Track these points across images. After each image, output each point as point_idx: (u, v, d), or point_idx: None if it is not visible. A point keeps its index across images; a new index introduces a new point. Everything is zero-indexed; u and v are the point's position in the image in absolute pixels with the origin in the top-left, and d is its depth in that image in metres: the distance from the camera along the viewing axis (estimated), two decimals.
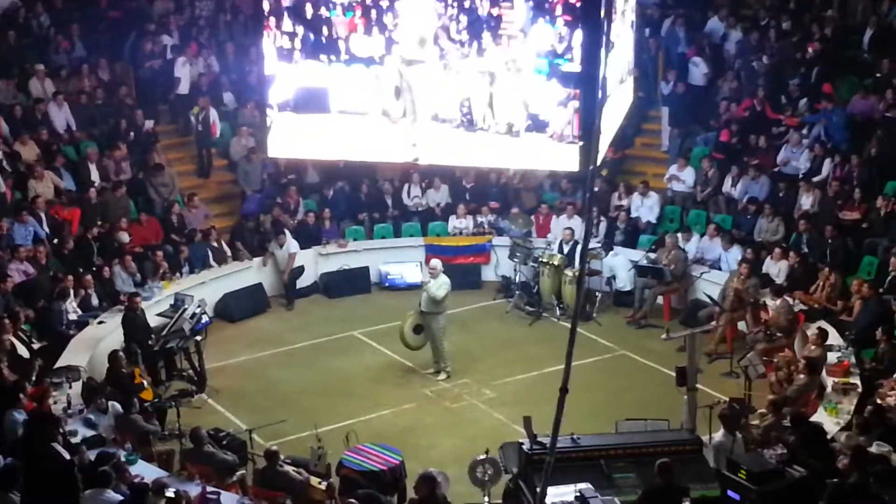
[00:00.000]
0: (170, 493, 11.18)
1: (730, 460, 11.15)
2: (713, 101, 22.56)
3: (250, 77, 22.17)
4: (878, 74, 20.93)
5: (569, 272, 19.39)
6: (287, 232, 20.45)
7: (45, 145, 20.19)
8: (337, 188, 22.01)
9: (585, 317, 18.89)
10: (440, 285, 16.85)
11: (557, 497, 9.90)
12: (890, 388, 13.57)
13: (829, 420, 13.41)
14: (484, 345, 18.42)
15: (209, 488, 11.95)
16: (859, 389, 14.33)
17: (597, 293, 19.55)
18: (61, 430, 12.27)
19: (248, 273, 20.27)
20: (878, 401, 13.25)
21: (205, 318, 17.46)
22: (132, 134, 21.55)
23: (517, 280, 20.30)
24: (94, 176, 20.19)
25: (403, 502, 12.14)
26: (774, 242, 18.76)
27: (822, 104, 20.64)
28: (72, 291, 17.24)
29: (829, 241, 18.10)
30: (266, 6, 10.93)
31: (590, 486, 10.21)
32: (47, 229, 18.58)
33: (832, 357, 15.20)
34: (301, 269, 20.51)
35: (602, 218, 20.82)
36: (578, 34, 10.05)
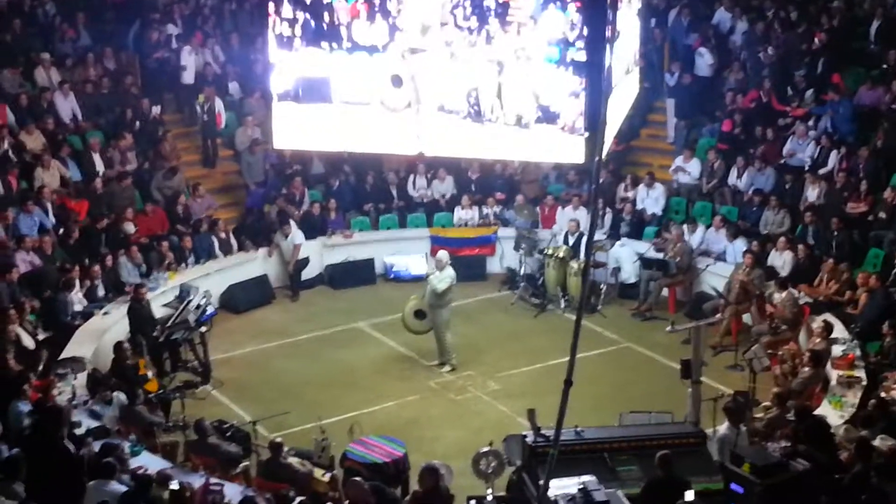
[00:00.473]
0: (174, 484, 11.18)
1: (734, 453, 11.12)
2: (719, 92, 22.51)
3: (256, 66, 22.15)
4: (884, 66, 20.89)
5: (574, 264, 19.37)
6: (292, 223, 20.44)
7: (50, 135, 20.19)
8: (342, 179, 21.99)
9: (590, 309, 18.88)
10: (443, 278, 16.82)
11: (561, 489, 9.87)
12: (894, 381, 13.53)
13: (833, 413, 13.39)
14: (489, 337, 18.41)
15: (213, 480, 11.96)
16: (864, 383, 14.30)
17: (602, 285, 19.53)
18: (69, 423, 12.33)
19: (254, 264, 20.28)
20: (883, 394, 13.23)
21: (210, 310, 17.50)
22: (138, 123, 21.56)
23: (522, 272, 20.28)
24: (99, 166, 20.19)
25: (407, 494, 12.13)
26: (780, 234, 18.72)
27: (829, 95, 20.57)
28: (77, 282, 17.26)
29: (835, 233, 18.06)
30: None
31: (593, 478, 10.18)
32: (53, 219, 18.59)
33: (837, 350, 15.17)
34: (306, 261, 20.50)
35: (608, 209, 20.79)
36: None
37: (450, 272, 16.96)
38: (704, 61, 22.84)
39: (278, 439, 12.86)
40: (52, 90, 21.15)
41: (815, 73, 21.48)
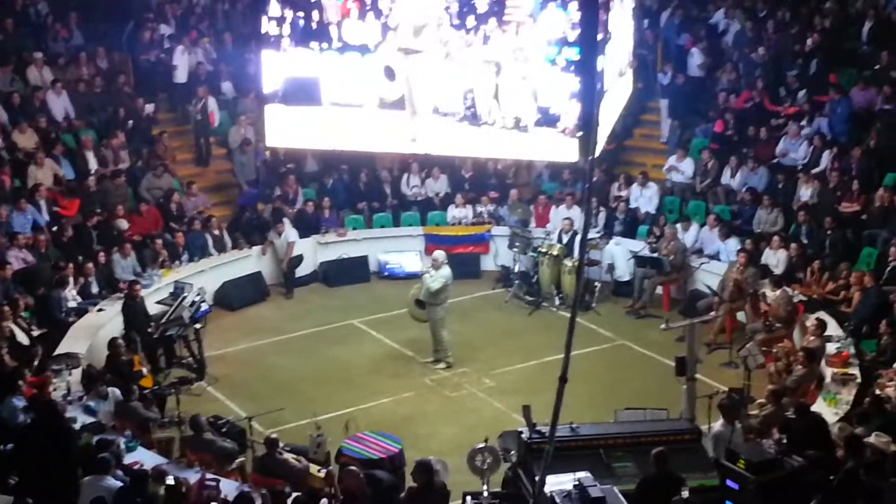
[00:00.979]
0: (169, 480, 11.18)
1: (728, 450, 11.15)
2: (712, 92, 22.56)
3: (249, 66, 22.15)
4: (876, 66, 20.93)
5: (568, 262, 19.40)
6: (286, 220, 20.45)
7: (43, 133, 20.16)
8: (336, 177, 21.99)
9: (585, 306, 18.90)
10: (437, 277, 16.82)
11: (556, 485, 9.85)
12: (889, 378, 13.57)
13: (828, 410, 13.42)
14: (483, 334, 18.43)
15: (208, 475, 11.96)
16: (858, 380, 14.34)
17: (596, 283, 19.55)
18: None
19: (248, 261, 20.28)
20: (878, 391, 13.26)
21: (204, 306, 17.50)
22: (131, 122, 21.54)
23: (516, 270, 20.29)
24: (92, 164, 20.16)
25: (403, 490, 12.12)
26: (773, 233, 18.76)
27: (829, 95, 20.58)
28: (71, 279, 17.24)
29: (829, 232, 18.11)
30: None
31: (589, 474, 10.18)
32: (47, 217, 18.57)
33: (831, 348, 15.21)
34: (300, 258, 20.51)
35: (601, 208, 20.82)
36: None
37: (445, 272, 16.95)
38: (694, 61, 22.87)
39: (274, 435, 12.86)
40: (44, 89, 21.11)
41: (808, 74, 21.52)
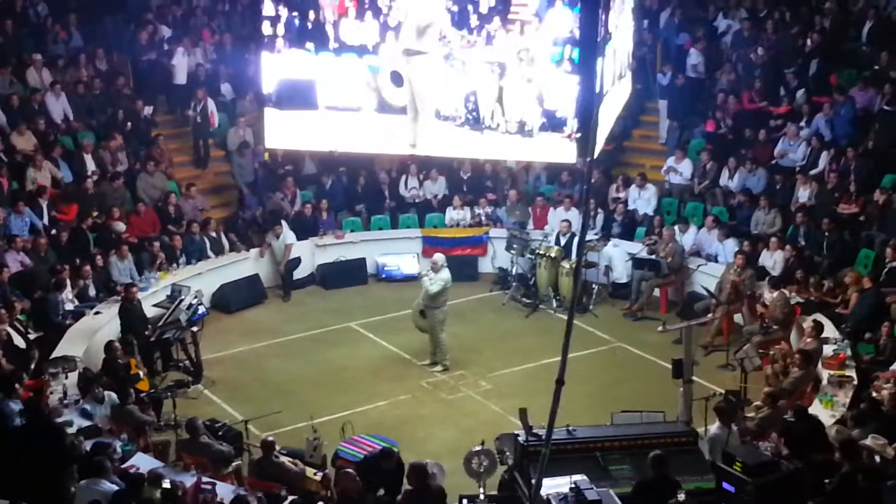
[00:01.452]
0: (166, 483, 11.17)
1: (725, 452, 11.17)
2: (711, 93, 22.53)
3: (248, 68, 22.13)
4: (876, 67, 20.91)
5: (565, 264, 19.39)
6: (284, 223, 20.44)
7: (42, 135, 20.15)
8: (334, 179, 21.98)
9: (582, 309, 18.89)
10: (436, 280, 16.80)
11: (553, 488, 9.88)
12: (885, 380, 13.56)
13: (824, 413, 13.41)
14: (480, 337, 18.41)
15: (204, 479, 11.95)
16: (855, 382, 14.33)
17: (593, 285, 19.54)
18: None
19: (245, 264, 20.27)
20: (874, 394, 13.25)
21: (201, 309, 17.48)
22: (129, 124, 21.53)
23: (514, 272, 20.28)
24: (91, 167, 20.14)
25: (399, 493, 12.12)
26: (771, 234, 18.75)
27: (832, 97, 20.55)
28: (69, 282, 17.23)
29: (826, 233, 18.09)
30: None
31: (585, 477, 10.20)
32: (47, 220, 18.55)
33: (828, 350, 15.19)
34: (297, 261, 20.49)
35: (599, 210, 20.80)
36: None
37: (444, 275, 16.93)
38: (690, 61, 22.86)
39: (270, 438, 12.86)
40: (43, 91, 21.10)
41: (807, 75, 21.51)
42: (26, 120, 20.26)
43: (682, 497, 10.24)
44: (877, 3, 22.03)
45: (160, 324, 16.72)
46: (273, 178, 21.74)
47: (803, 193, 19.29)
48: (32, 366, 14.89)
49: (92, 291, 17.63)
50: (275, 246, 20.37)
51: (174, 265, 19.11)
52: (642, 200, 21.02)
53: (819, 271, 17.67)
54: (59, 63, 22.07)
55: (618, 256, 19.97)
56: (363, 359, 17.74)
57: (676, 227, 19.66)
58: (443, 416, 15.79)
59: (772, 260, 18.19)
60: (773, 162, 20.48)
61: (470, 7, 9.72)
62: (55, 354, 15.42)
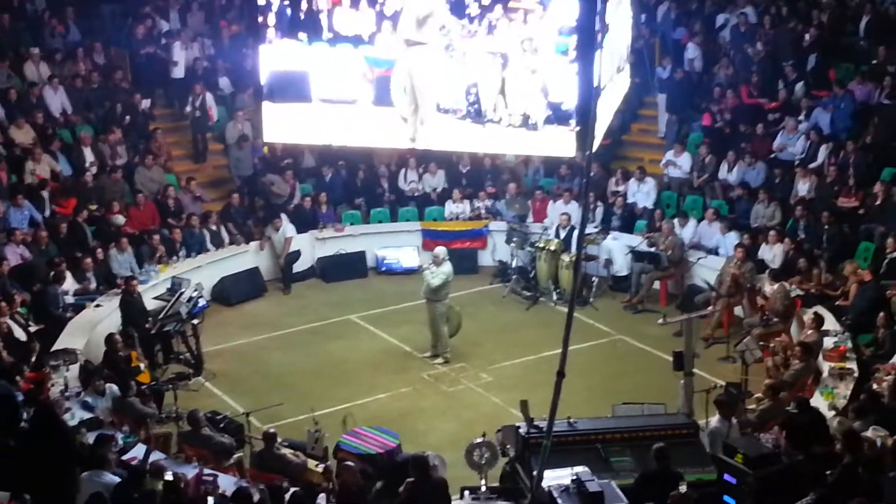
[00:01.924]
0: (168, 476, 11.16)
1: (727, 444, 11.18)
2: (709, 88, 22.53)
3: (246, 61, 22.12)
4: (874, 61, 20.91)
5: (565, 257, 19.40)
6: (283, 216, 20.44)
7: (40, 129, 20.13)
8: (333, 172, 21.97)
9: (582, 302, 18.89)
10: (437, 274, 16.81)
11: (554, 480, 9.90)
12: (886, 372, 13.58)
13: (824, 405, 13.42)
14: (481, 329, 18.39)
15: (206, 470, 11.96)
16: (855, 374, 14.34)
17: (593, 278, 19.55)
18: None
19: (245, 257, 20.27)
20: (875, 386, 13.27)
21: (202, 302, 17.52)
22: (128, 117, 21.52)
23: (514, 265, 20.29)
24: (90, 160, 20.12)
25: (400, 485, 12.14)
26: (771, 228, 18.76)
27: (832, 90, 20.56)
28: (69, 274, 17.23)
29: (826, 227, 18.10)
30: None
31: (586, 469, 10.22)
32: (48, 213, 18.54)
33: (829, 342, 15.20)
34: (297, 254, 20.49)
35: (599, 203, 20.81)
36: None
37: (446, 268, 16.93)
38: (687, 55, 22.87)
39: (272, 430, 12.87)
40: (41, 85, 21.09)
41: (805, 69, 21.52)
42: (24, 113, 20.25)
43: (683, 488, 10.25)
44: None
45: (161, 316, 16.75)
46: (273, 171, 21.71)
47: (802, 187, 19.29)
48: (33, 358, 14.88)
49: (93, 284, 17.63)
50: (274, 239, 20.37)
51: (174, 258, 19.11)
52: (641, 194, 21.03)
53: (819, 264, 17.67)
54: (57, 57, 22.08)
55: (617, 249, 19.98)
56: (363, 351, 17.75)
57: (676, 221, 19.66)
58: (443, 409, 15.80)
59: (771, 253, 18.20)
60: (772, 155, 20.49)
61: None
62: (56, 347, 15.45)
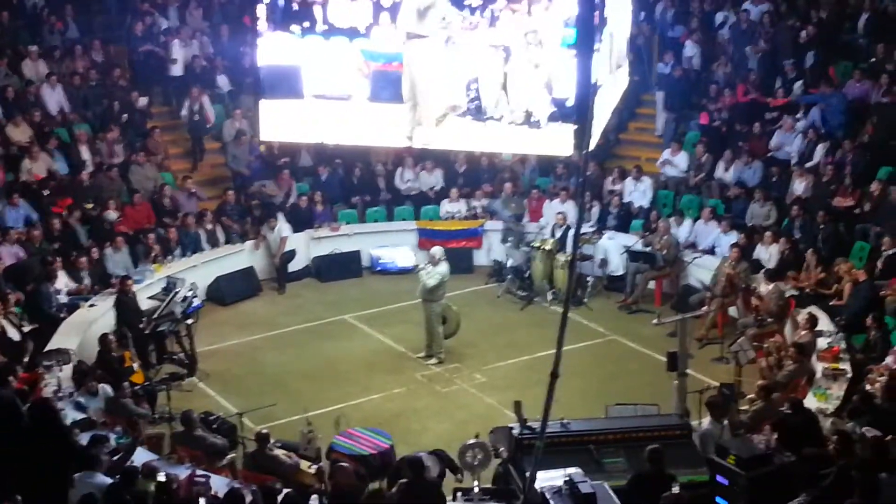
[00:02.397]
0: (161, 477, 11.14)
1: (719, 446, 11.15)
2: (707, 86, 22.51)
3: (244, 59, 22.09)
4: (872, 59, 20.88)
5: (561, 257, 19.38)
6: (279, 215, 20.41)
7: (37, 127, 20.11)
8: (330, 171, 21.94)
9: (576, 302, 18.87)
10: (433, 274, 16.78)
11: (547, 481, 9.86)
12: (879, 373, 13.56)
13: (817, 406, 13.40)
14: (475, 329, 18.32)
15: (198, 471, 11.93)
16: (849, 375, 14.32)
17: (588, 278, 19.53)
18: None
19: (240, 256, 20.23)
20: (868, 386, 13.25)
21: (196, 302, 17.46)
22: (125, 116, 21.49)
23: (509, 264, 20.26)
24: (86, 158, 20.10)
25: (393, 487, 12.13)
26: (766, 227, 18.74)
27: (819, 88, 20.55)
28: (64, 273, 17.20)
29: (822, 226, 18.07)
30: None
31: (579, 470, 10.19)
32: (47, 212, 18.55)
33: (822, 343, 15.18)
34: (292, 253, 20.47)
35: (595, 202, 20.78)
36: None
37: (442, 268, 16.91)
38: (686, 54, 22.84)
39: (265, 431, 12.86)
40: (39, 83, 21.06)
41: (804, 67, 21.50)
42: (22, 112, 20.23)
43: (676, 490, 10.23)
44: None
45: (155, 316, 16.71)
46: (270, 169, 21.70)
47: (799, 186, 19.27)
48: (27, 358, 14.86)
49: (87, 281, 17.60)
50: (270, 238, 20.34)
51: (169, 257, 19.09)
52: (638, 193, 20.99)
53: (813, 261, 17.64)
54: (55, 54, 22.03)
55: (613, 249, 19.95)
56: (358, 351, 17.72)
57: (671, 220, 19.65)
58: (437, 409, 15.79)
59: (767, 253, 18.17)
60: (769, 154, 20.46)
61: None
62: (49, 347, 15.42)
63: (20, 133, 19.74)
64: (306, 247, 20.91)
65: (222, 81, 23.10)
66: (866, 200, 18.24)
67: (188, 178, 20.93)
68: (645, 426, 12.14)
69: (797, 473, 10.74)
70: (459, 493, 11.44)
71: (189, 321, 16.94)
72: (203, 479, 11.60)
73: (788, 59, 21.69)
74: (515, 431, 11.71)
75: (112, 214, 19.06)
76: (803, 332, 15.30)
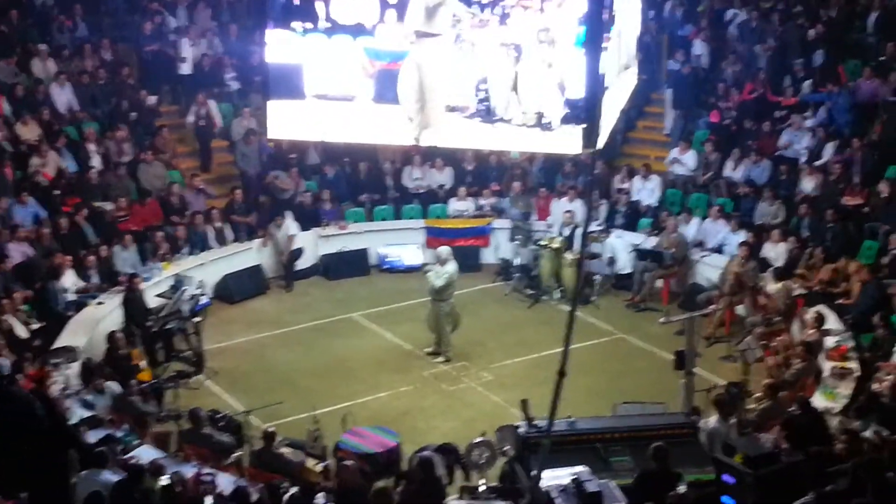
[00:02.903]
0: (165, 480, 11.14)
1: (726, 444, 11.15)
2: (715, 84, 22.46)
3: (253, 58, 22.07)
4: (882, 57, 20.81)
5: (568, 255, 19.35)
6: (287, 213, 20.42)
7: (46, 125, 20.14)
8: (338, 169, 21.94)
9: (584, 300, 18.83)
10: (441, 274, 16.76)
11: (553, 480, 9.86)
12: (887, 372, 13.53)
13: (825, 404, 13.38)
14: (483, 328, 18.35)
15: (205, 469, 11.93)
16: (857, 374, 14.29)
17: (596, 276, 19.50)
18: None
19: (248, 254, 20.24)
20: (875, 385, 13.22)
21: (204, 299, 17.51)
22: (134, 114, 21.51)
23: (516, 263, 20.25)
24: (95, 157, 20.13)
25: (399, 485, 12.13)
26: (775, 226, 18.71)
27: (827, 87, 20.51)
28: (73, 271, 17.22)
29: (830, 225, 18.03)
30: None
31: (586, 469, 10.18)
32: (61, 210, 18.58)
33: (830, 341, 15.16)
34: (300, 251, 20.47)
35: (603, 201, 20.76)
36: None
37: (449, 268, 16.88)
38: (695, 52, 22.80)
39: (271, 429, 12.86)
40: (48, 81, 21.08)
41: (813, 65, 21.45)
42: (31, 110, 20.26)
43: (682, 489, 10.22)
44: None
45: (163, 314, 16.74)
46: (279, 167, 21.69)
47: (807, 185, 19.23)
48: (34, 356, 14.88)
49: (96, 281, 17.62)
50: (277, 236, 20.35)
51: (177, 255, 19.10)
52: (646, 191, 20.97)
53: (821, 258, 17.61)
54: (65, 53, 22.05)
55: (621, 247, 19.93)
56: (365, 349, 17.73)
57: (680, 218, 19.61)
58: (444, 408, 15.78)
59: (774, 252, 18.14)
60: (778, 153, 20.42)
61: None
62: (57, 345, 15.46)
63: (29, 131, 19.77)
64: (314, 245, 20.91)
65: (231, 80, 23.09)
66: (875, 199, 18.18)
67: (196, 176, 20.93)
68: (651, 425, 12.11)
69: (804, 472, 10.72)
70: (466, 492, 11.44)
71: (197, 319, 16.97)
72: (209, 478, 11.59)
73: (797, 57, 21.64)
74: (522, 430, 11.69)
75: (107, 205, 19.03)
76: (811, 331, 15.28)
